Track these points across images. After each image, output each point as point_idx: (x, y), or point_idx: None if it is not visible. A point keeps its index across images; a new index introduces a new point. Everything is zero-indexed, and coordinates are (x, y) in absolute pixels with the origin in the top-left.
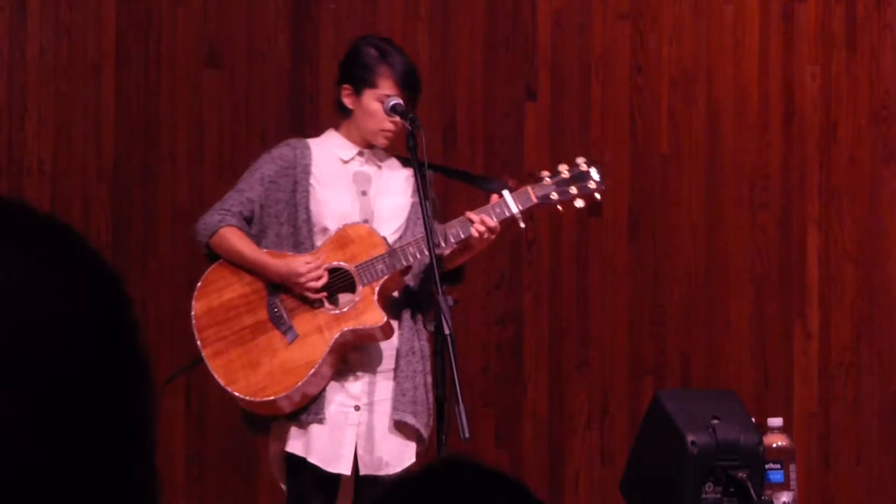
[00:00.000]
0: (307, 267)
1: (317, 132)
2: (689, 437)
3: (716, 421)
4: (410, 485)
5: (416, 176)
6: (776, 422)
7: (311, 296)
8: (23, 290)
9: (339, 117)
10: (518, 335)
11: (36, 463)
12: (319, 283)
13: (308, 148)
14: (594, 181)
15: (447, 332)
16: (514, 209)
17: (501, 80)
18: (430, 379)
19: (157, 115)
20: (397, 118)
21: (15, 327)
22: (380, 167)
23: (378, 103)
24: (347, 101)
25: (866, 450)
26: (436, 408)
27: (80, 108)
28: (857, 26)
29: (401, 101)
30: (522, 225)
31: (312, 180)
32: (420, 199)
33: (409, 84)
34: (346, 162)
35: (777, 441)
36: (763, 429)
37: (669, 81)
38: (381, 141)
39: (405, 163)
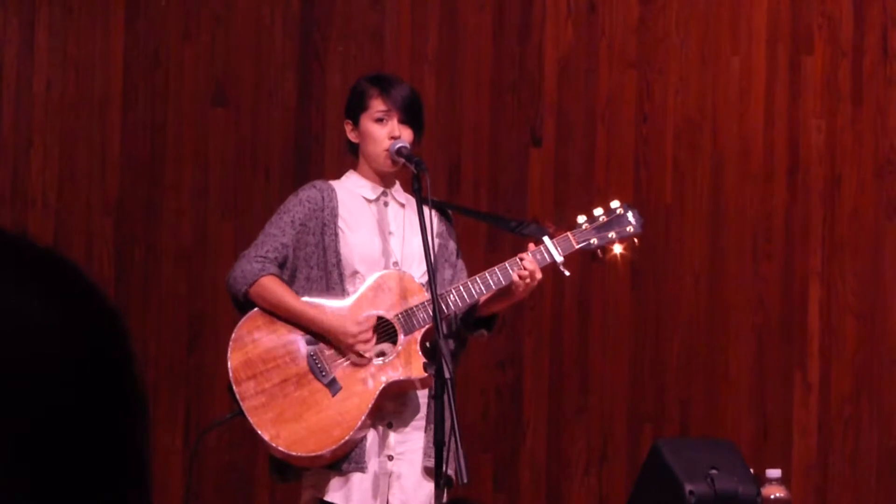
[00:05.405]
0: (358, 328)
1: (322, 173)
2: (688, 487)
3: (714, 471)
4: None
5: (419, 218)
6: (774, 473)
7: (360, 356)
8: (19, 325)
9: (353, 160)
10: (518, 380)
11: (30, 500)
12: (369, 346)
13: (333, 190)
14: (632, 224)
15: (447, 375)
16: (558, 257)
17: (507, 125)
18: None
19: (163, 152)
20: (401, 159)
21: (10, 362)
22: (403, 206)
23: (374, 124)
24: (352, 136)
25: (864, 503)
26: (435, 452)
27: (85, 142)
28: (864, 80)
29: (406, 145)
30: (567, 273)
31: (341, 223)
32: (423, 240)
33: (398, 101)
34: (370, 202)
35: (775, 492)
36: (761, 479)
37: (675, 131)
38: (388, 163)
39: (425, 203)
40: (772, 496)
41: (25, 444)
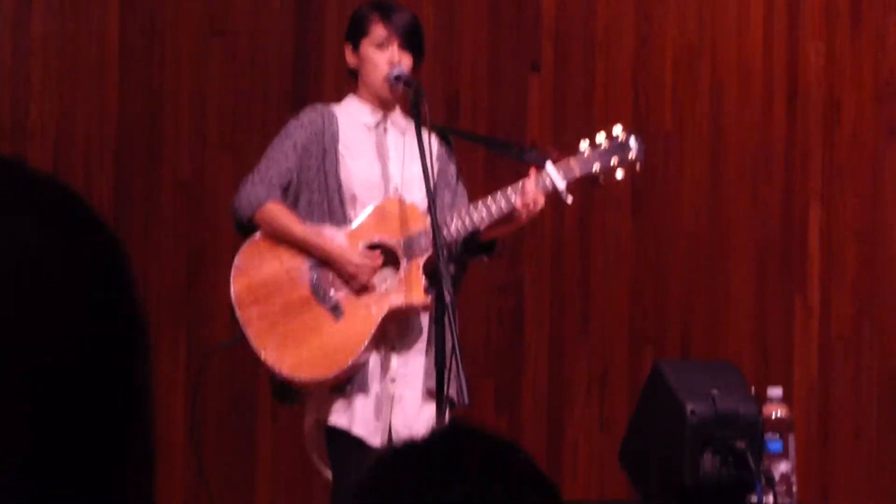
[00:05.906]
0: (362, 259)
1: (321, 98)
2: (689, 407)
3: (715, 391)
4: (416, 447)
5: (418, 143)
6: (776, 392)
7: (358, 283)
8: (18, 257)
9: (353, 84)
10: (519, 304)
11: (32, 430)
12: (369, 279)
13: (334, 115)
14: (634, 151)
15: (448, 299)
16: (560, 183)
17: (506, 52)
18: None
19: (161, 83)
20: (400, 85)
21: (9, 294)
22: (404, 132)
23: (374, 49)
24: (351, 61)
25: (865, 425)
26: (436, 375)
27: (84, 75)
28: (863, 2)
29: (404, 70)
30: (570, 200)
31: (341, 147)
32: (423, 168)
33: (399, 26)
34: (369, 128)
35: (776, 410)
36: (762, 398)
37: (673, 57)
38: (386, 88)
39: (424, 127)
40: (773, 414)
41: (25, 377)
